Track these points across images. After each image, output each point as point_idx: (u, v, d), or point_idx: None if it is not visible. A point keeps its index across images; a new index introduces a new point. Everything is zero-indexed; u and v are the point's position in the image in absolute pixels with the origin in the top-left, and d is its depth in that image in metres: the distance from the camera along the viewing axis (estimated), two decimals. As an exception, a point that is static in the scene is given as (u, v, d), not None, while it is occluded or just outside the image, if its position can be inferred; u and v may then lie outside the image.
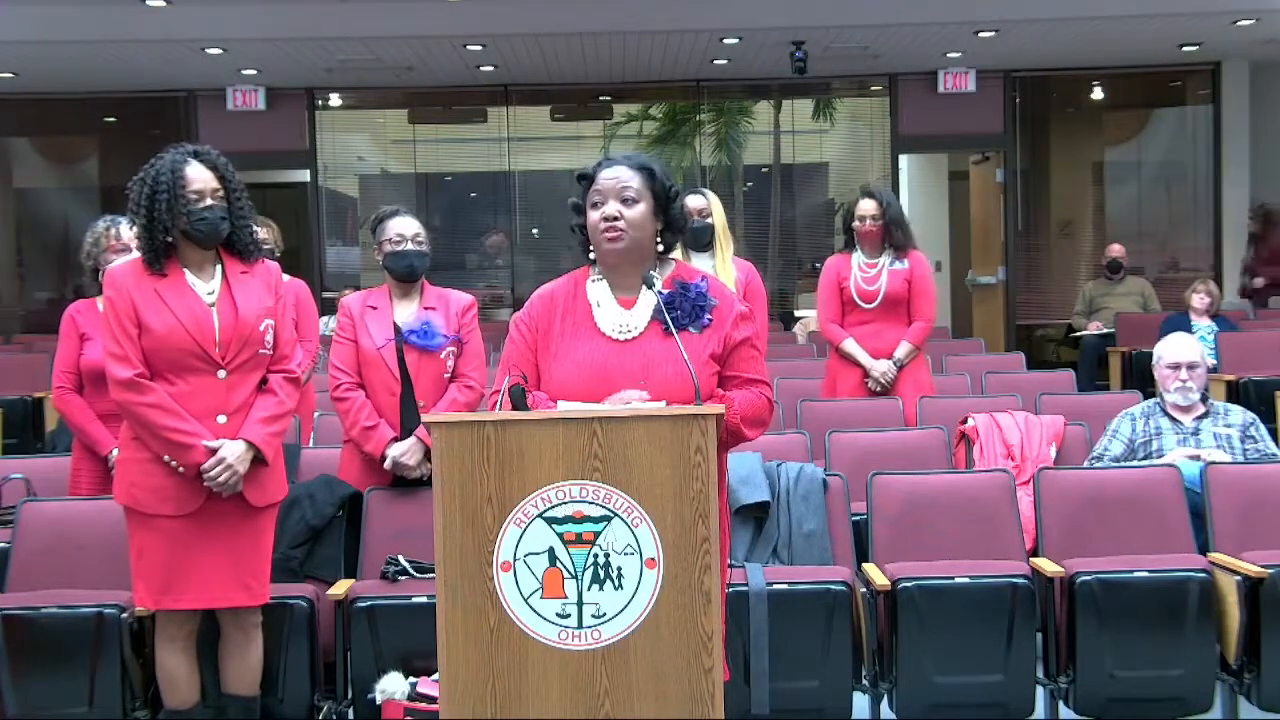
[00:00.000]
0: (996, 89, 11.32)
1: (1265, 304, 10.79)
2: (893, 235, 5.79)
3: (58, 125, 12.03)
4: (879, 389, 5.75)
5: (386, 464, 4.23)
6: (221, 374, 3.46)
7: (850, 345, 5.81)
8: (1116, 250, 10.16)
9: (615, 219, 2.85)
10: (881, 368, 5.75)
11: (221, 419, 3.45)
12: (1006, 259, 11.75)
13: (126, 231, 4.31)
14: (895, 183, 11.35)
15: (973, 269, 12.31)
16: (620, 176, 2.88)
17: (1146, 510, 4.31)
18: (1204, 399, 4.99)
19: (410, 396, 4.23)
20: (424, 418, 2.69)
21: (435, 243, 4.48)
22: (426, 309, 4.32)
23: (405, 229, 4.33)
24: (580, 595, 2.55)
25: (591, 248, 2.93)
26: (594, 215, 2.88)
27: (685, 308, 2.88)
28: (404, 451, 4.22)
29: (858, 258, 5.87)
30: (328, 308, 10.73)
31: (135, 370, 3.40)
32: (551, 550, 2.56)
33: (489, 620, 2.55)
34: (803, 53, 9.94)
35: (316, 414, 5.72)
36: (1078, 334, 9.97)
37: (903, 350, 5.79)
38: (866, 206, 5.82)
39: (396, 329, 4.28)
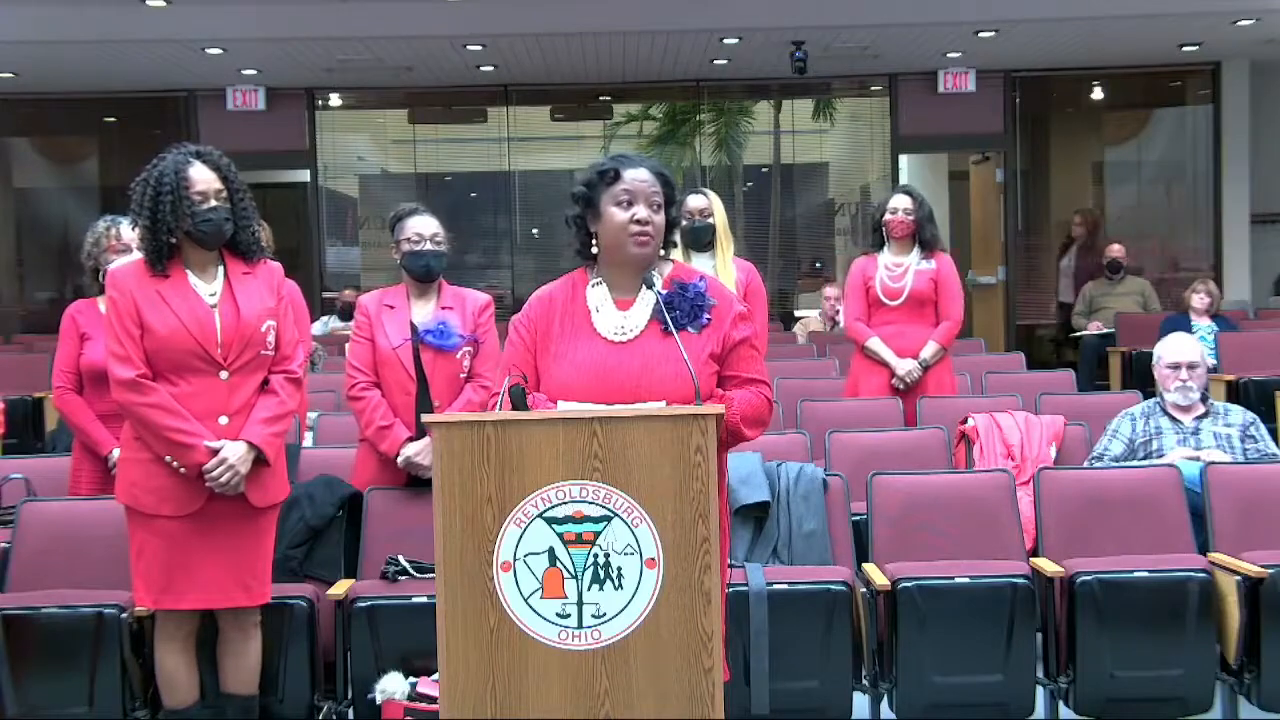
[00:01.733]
0: (996, 89, 11.31)
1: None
2: (924, 230, 5.81)
3: (58, 125, 12.04)
4: (903, 387, 5.76)
5: (400, 463, 4.23)
6: (223, 375, 3.46)
7: (875, 344, 5.80)
8: (1116, 250, 10.16)
9: (648, 224, 2.84)
10: (906, 367, 5.75)
11: (223, 420, 3.45)
12: (1006, 259, 11.75)
13: (127, 231, 4.30)
14: (895, 183, 11.34)
15: (973, 269, 12.31)
16: (650, 181, 2.86)
17: (1146, 510, 4.31)
18: (1204, 399, 4.99)
19: (426, 396, 4.23)
20: (424, 419, 2.68)
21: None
22: (444, 309, 4.31)
23: (424, 228, 4.31)
24: (580, 595, 2.55)
25: (595, 245, 2.91)
26: (622, 215, 2.84)
27: (684, 308, 2.87)
28: (418, 451, 4.21)
29: (884, 257, 5.88)
30: (328, 308, 10.75)
31: (137, 371, 3.40)
32: (551, 550, 2.56)
33: (489, 620, 2.55)
34: (803, 53, 9.94)
35: (313, 414, 5.69)
36: (1078, 334, 9.98)
37: (930, 350, 5.79)
38: (901, 200, 5.86)
39: (413, 328, 4.28)
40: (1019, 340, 11.38)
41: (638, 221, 2.83)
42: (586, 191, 2.90)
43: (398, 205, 4.50)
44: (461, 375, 4.28)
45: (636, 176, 2.86)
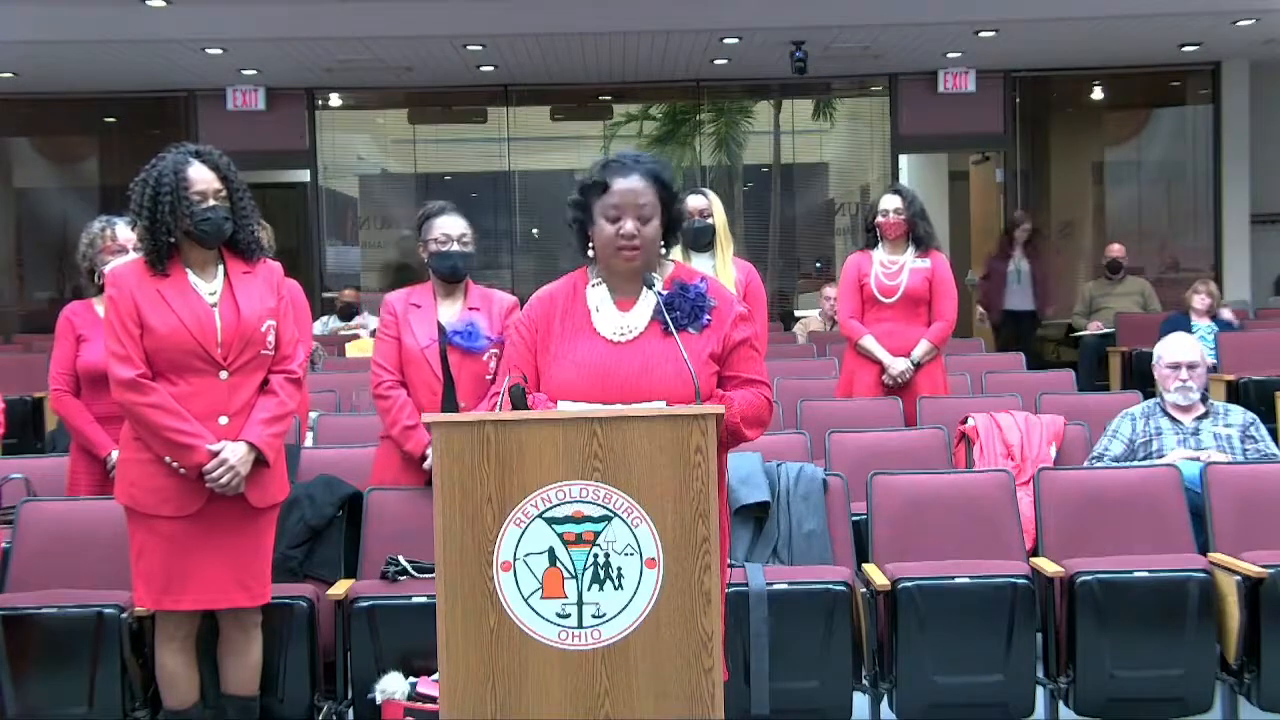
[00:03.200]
0: (996, 89, 11.32)
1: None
2: (917, 227, 5.80)
3: (58, 125, 12.04)
4: (894, 385, 5.75)
5: (427, 464, 4.22)
6: (223, 375, 3.46)
7: (869, 341, 5.79)
8: (1116, 250, 10.17)
9: (633, 237, 2.85)
10: (899, 366, 5.73)
11: (223, 420, 3.45)
12: (1007, 259, 11.74)
13: (123, 232, 4.29)
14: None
15: (973, 269, 12.31)
16: (637, 190, 2.86)
17: (1146, 510, 4.31)
18: (1204, 399, 4.99)
19: (452, 396, 4.21)
20: (424, 418, 2.69)
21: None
22: (471, 309, 4.30)
23: (451, 229, 4.31)
24: (580, 595, 2.55)
25: (591, 248, 2.92)
26: (609, 229, 2.86)
27: (685, 308, 2.88)
28: None
29: (879, 254, 5.86)
30: (328, 308, 10.75)
31: (137, 370, 3.40)
32: (551, 550, 2.56)
33: (489, 620, 2.55)
34: (803, 53, 9.94)
35: (314, 414, 5.68)
36: (1078, 334, 9.98)
37: (921, 349, 5.77)
38: (891, 201, 5.85)
39: (441, 329, 4.27)
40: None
41: (623, 236, 2.84)
42: (581, 199, 2.91)
43: (425, 204, 4.49)
44: (487, 376, 4.26)
45: (625, 187, 2.86)
